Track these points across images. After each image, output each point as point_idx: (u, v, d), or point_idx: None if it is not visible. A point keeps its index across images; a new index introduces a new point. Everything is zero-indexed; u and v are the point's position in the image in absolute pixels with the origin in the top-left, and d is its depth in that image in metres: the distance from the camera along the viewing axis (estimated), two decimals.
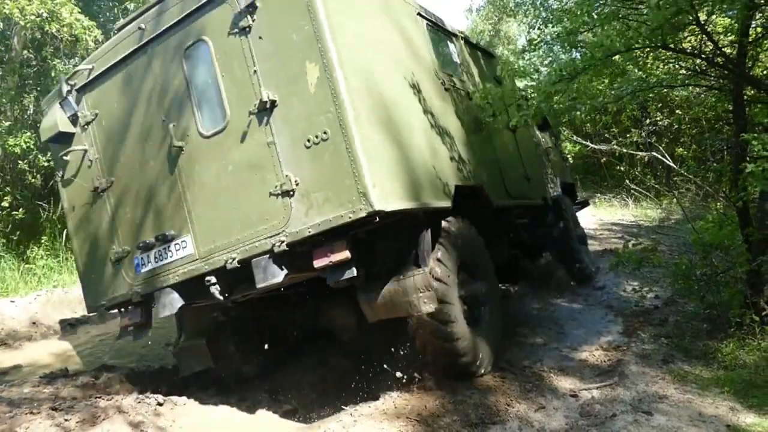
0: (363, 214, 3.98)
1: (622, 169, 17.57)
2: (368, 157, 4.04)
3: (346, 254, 4.12)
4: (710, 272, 6.69)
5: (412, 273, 4.50)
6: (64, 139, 5.24)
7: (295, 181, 4.20)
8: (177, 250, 4.75)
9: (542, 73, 18.79)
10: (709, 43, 5.85)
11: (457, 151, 5.57)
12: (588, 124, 19.39)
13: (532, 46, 6.59)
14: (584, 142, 16.32)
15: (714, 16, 6.65)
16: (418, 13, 5.88)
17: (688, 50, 5.80)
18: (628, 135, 15.85)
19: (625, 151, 15.06)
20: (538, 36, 6.45)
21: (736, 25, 5.78)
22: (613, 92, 6.83)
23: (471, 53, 7.18)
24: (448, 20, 6.72)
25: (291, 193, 4.22)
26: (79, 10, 9.97)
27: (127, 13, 9.24)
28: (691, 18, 5.15)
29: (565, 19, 5.74)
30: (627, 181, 14.98)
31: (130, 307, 5.15)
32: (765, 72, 6.97)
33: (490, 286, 5.76)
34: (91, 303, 5.37)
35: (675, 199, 12.87)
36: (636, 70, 6.99)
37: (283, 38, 4.22)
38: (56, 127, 5.15)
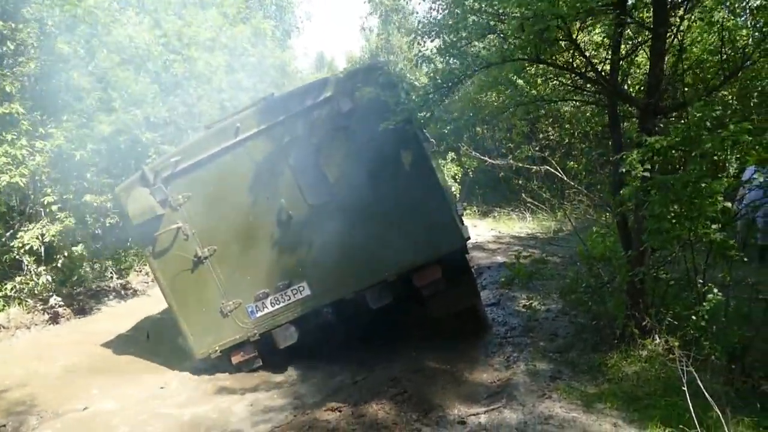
0: (459, 245, 6.24)
1: (520, 183, 18.05)
2: (452, 209, 6.21)
3: (440, 274, 6.14)
4: (595, 284, 6.79)
5: (466, 279, 6.71)
6: (154, 220, 6.08)
7: (400, 230, 5.99)
8: (295, 294, 6.17)
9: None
10: (582, 58, 5.92)
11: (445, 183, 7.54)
12: (489, 140, 19.88)
13: (417, 61, 6.47)
14: (482, 157, 16.61)
15: (586, 35, 6.82)
16: None
17: (563, 65, 5.84)
18: (519, 150, 16.30)
19: (520, 165, 15.43)
20: (419, 51, 6.34)
21: (607, 41, 5.90)
22: (496, 104, 6.82)
23: None
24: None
25: (398, 238, 5.99)
26: None
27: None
28: (562, 33, 5.15)
29: (443, 34, 5.62)
30: (523, 195, 15.34)
31: (245, 346, 6.30)
32: (637, 87, 7.20)
33: None
34: (202, 350, 6.28)
35: (565, 212, 13.29)
36: (522, 83, 7.05)
37: (380, 135, 5.72)
38: (153, 211, 6.04)
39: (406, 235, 6.02)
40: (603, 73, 6.03)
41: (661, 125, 5.76)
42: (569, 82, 6.63)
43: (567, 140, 17.24)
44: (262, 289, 6.18)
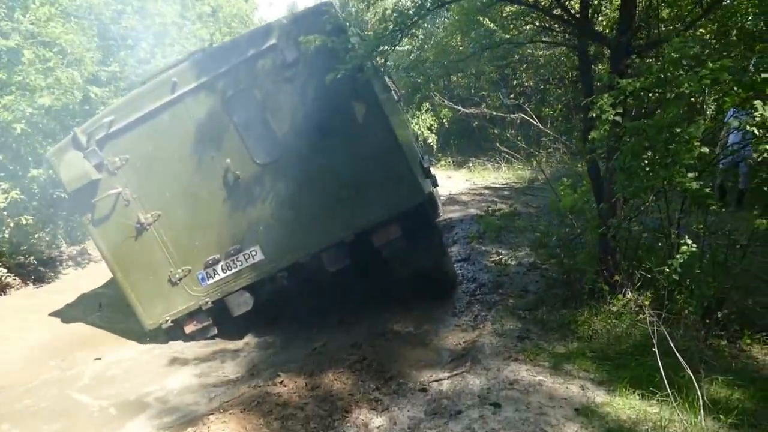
0: (420, 200, 5.72)
1: (496, 132, 17.58)
2: (411, 162, 5.71)
3: (399, 233, 5.74)
4: (566, 236, 6.49)
5: (428, 237, 6.07)
6: (90, 186, 5.62)
7: (356, 188, 5.57)
8: (247, 259, 5.79)
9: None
10: None
11: (409, 136, 7.22)
12: (463, 88, 19.25)
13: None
14: (455, 106, 16.09)
15: None
16: None
17: (528, 2, 5.33)
18: (488, 97, 15.73)
19: (494, 113, 14.99)
20: None
21: None
22: (461, 48, 6.32)
23: None
24: None
25: (353, 197, 5.58)
26: None
27: None
28: None
29: None
30: (497, 144, 14.94)
31: (198, 314, 5.94)
32: (610, 26, 6.72)
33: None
34: (152, 321, 5.91)
35: (538, 160, 12.93)
36: (491, 24, 6.54)
37: (330, 86, 5.18)
38: (87, 176, 5.56)
39: (362, 192, 5.61)
40: (572, 11, 5.57)
41: (636, 64, 5.33)
42: (536, 22, 6.15)
43: (542, 86, 16.73)
44: (213, 255, 5.79)
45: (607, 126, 4.70)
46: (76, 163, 5.56)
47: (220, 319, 6.07)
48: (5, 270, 7.94)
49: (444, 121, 17.72)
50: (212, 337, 6.16)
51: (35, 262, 8.48)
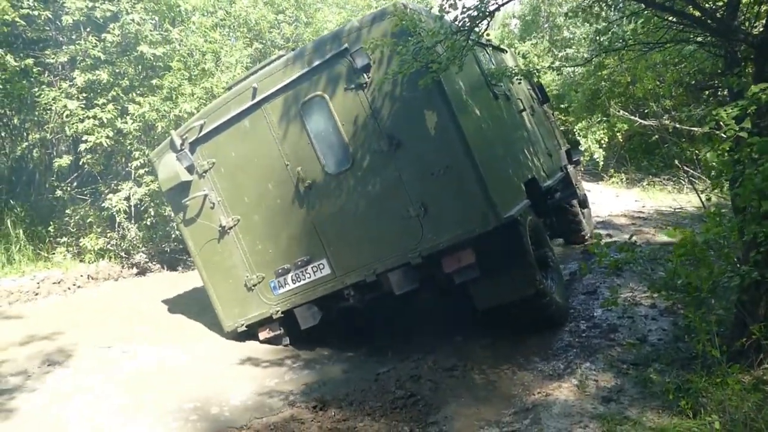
0: (492, 226, 4.97)
1: (683, 147, 15.34)
2: (488, 180, 5.02)
3: (473, 259, 5.10)
4: (699, 281, 5.25)
5: (515, 266, 5.34)
6: (181, 186, 5.95)
7: (424, 206, 5.08)
8: (315, 272, 5.60)
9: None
10: None
11: (517, 149, 6.53)
12: (650, 96, 17.16)
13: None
14: (632, 117, 14.35)
15: None
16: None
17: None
18: (675, 108, 13.63)
19: (677, 126, 13.06)
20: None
21: None
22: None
23: (494, 55, 7.62)
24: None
25: (422, 215, 5.10)
26: None
27: None
28: None
29: None
30: (677, 162, 13.00)
31: (270, 323, 5.93)
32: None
33: (548, 249, 6.55)
34: (230, 324, 6.06)
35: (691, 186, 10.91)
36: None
37: (399, 92, 5.04)
38: (178, 177, 5.86)
39: (431, 211, 5.11)
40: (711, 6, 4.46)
41: None
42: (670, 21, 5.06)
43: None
44: (284, 264, 5.71)
45: (726, 145, 3.65)
46: (170, 164, 5.89)
47: (294, 328, 5.97)
48: (144, 256, 8.81)
49: (618, 134, 15.89)
50: (286, 345, 6.10)
51: (167, 250, 9.26)
